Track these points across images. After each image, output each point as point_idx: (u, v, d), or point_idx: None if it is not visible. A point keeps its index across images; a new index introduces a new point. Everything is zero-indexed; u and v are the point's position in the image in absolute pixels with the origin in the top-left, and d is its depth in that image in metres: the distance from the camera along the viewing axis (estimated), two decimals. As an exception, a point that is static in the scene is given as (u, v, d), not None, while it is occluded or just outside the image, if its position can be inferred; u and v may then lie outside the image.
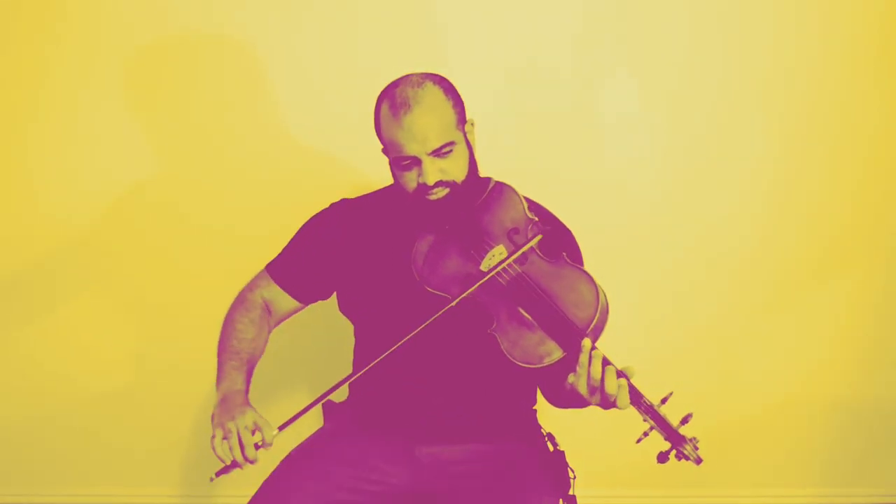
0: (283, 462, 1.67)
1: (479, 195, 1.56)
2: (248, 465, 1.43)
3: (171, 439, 2.38)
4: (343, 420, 1.72)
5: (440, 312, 1.46)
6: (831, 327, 2.34)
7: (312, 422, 2.30)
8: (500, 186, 1.56)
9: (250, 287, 1.74)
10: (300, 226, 1.76)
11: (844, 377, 2.37)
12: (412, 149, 1.49)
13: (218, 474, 1.43)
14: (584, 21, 2.18)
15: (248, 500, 1.57)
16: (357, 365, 1.74)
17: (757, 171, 2.25)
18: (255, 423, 1.44)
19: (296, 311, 1.76)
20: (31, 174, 2.25)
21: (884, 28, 2.18)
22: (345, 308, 1.74)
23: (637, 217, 2.26)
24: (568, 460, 1.64)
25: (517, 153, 2.20)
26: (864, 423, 2.41)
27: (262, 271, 1.75)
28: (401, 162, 1.51)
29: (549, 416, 1.79)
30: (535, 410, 1.76)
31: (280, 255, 1.75)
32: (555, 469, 1.63)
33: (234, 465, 1.43)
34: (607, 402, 1.40)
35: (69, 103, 2.21)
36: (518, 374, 1.68)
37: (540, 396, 1.76)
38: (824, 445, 2.42)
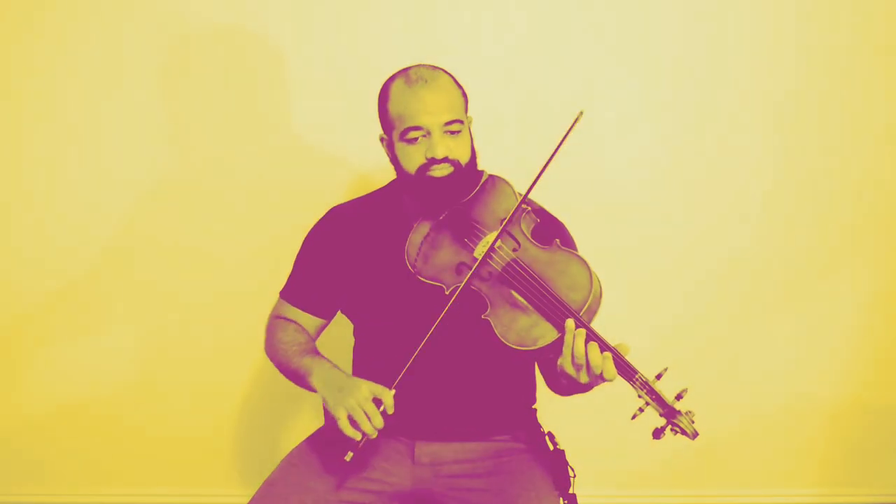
0: (283, 462, 1.67)
1: (473, 186, 1.57)
2: (376, 433, 1.44)
3: (171, 440, 2.38)
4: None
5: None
6: (832, 328, 2.34)
7: (313, 421, 2.31)
8: (493, 178, 1.58)
9: (274, 316, 1.75)
10: (298, 228, 1.77)
11: (844, 378, 2.37)
12: (424, 119, 1.50)
13: (355, 453, 1.45)
14: (584, 21, 2.18)
15: (248, 499, 1.58)
16: (361, 363, 1.75)
17: (764, 170, 2.25)
18: (371, 392, 1.45)
19: (323, 328, 1.76)
20: (33, 175, 2.25)
21: (888, 28, 2.19)
22: (345, 308, 1.75)
23: (639, 216, 2.26)
24: (568, 459, 1.65)
25: (517, 152, 2.19)
26: (864, 424, 2.41)
27: (278, 300, 1.75)
28: (408, 134, 1.52)
29: (549, 415, 1.79)
30: (535, 409, 1.76)
31: (290, 278, 1.75)
32: (555, 468, 1.63)
33: (365, 438, 1.44)
34: (595, 378, 1.40)
35: (72, 104, 2.21)
36: (517, 372, 1.70)
37: (540, 395, 1.76)
38: (824, 445, 2.42)
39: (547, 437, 1.71)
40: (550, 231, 1.62)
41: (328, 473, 1.61)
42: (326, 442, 1.64)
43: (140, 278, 2.29)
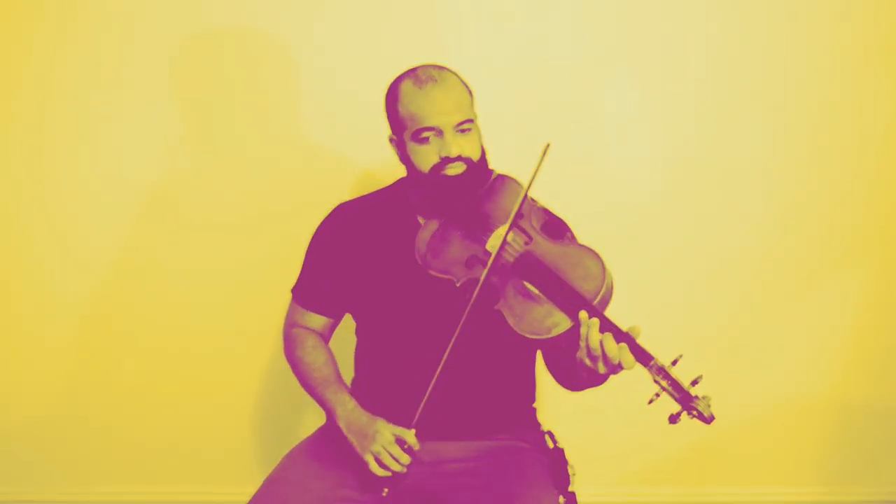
0: (283, 460, 1.68)
1: (484, 183, 1.58)
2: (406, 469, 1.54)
3: (171, 439, 2.38)
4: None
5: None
6: (832, 328, 2.34)
7: (314, 420, 2.31)
8: (503, 177, 1.60)
9: (289, 323, 1.78)
10: (305, 226, 1.77)
11: (844, 377, 2.37)
12: (437, 120, 1.52)
13: (390, 489, 1.56)
14: (585, 18, 2.18)
15: (248, 498, 1.58)
16: (365, 362, 1.76)
17: (761, 170, 2.24)
18: (394, 435, 1.55)
19: (335, 327, 1.80)
20: (42, 176, 2.25)
21: (886, 28, 2.19)
22: (351, 306, 1.75)
23: (638, 215, 2.26)
24: (567, 458, 1.65)
25: (517, 150, 2.19)
26: (864, 424, 2.40)
27: (291, 303, 1.78)
28: (420, 135, 1.53)
29: (548, 413, 1.80)
30: (535, 408, 1.76)
31: (300, 279, 1.77)
32: (554, 466, 1.64)
33: (397, 475, 1.55)
34: (613, 367, 1.41)
35: (81, 105, 2.21)
36: (518, 371, 1.70)
37: (540, 394, 1.76)
38: (824, 445, 2.42)
39: (547, 436, 1.71)
40: (558, 227, 1.64)
41: (328, 472, 1.61)
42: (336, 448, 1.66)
43: (145, 277, 2.30)
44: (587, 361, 1.41)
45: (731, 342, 2.34)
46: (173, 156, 2.23)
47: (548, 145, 1.48)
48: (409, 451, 1.54)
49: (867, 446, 2.42)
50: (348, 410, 1.62)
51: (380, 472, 1.53)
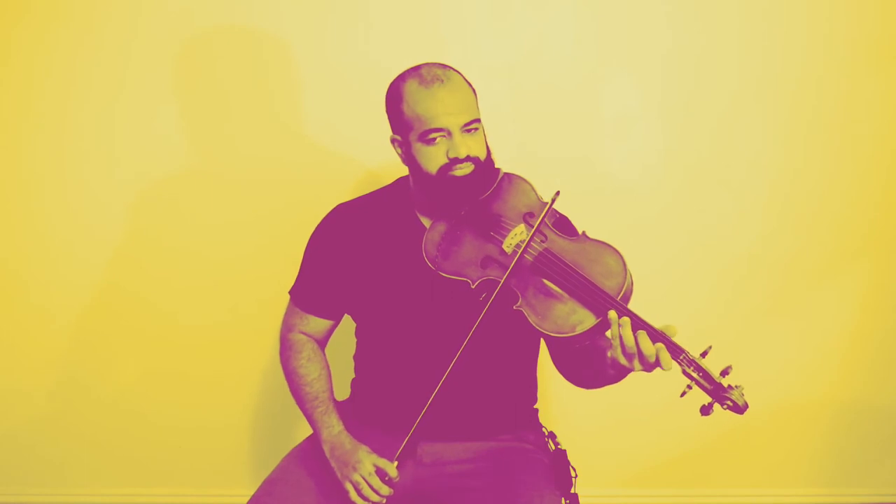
0: (283, 461, 1.67)
1: (492, 182, 1.57)
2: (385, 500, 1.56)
3: (172, 440, 2.38)
4: (345, 419, 1.71)
5: (493, 297, 1.47)
6: (831, 329, 2.34)
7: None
8: (510, 176, 1.59)
9: (287, 327, 1.76)
10: (307, 224, 1.76)
11: (844, 378, 2.37)
12: (445, 121, 1.50)
13: None
14: (586, 18, 2.18)
15: (247, 499, 1.57)
16: (366, 364, 1.75)
17: (759, 171, 2.25)
18: (374, 466, 1.56)
19: (334, 329, 1.78)
20: (46, 173, 2.24)
21: (885, 29, 2.19)
22: (352, 307, 1.74)
23: (636, 216, 2.26)
24: (570, 459, 1.64)
25: (519, 150, 2.19)
26: (863, 424, 2.40)
27: (289, 305, 1.76)
28: (427, 136, 1.52)
29: (550, 415, 1.79)
30: (537, 409, 1.76)
31: (298, 281, 1.75)
32: (556, 468, 1.63)
33: None
34: (649, 365, 1.40)
35: (84, 103, 2.20)
36: (520, 372, 1.69)
37: (541, 395, 1.76)
38: (823, 446, 2.42)
39: (548, 438, 1.71)
40: (568, 224, 1.64)
41: (326, 474, 1.61)
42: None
43: (144, 277, 2.29)
44: (622, 360, 1.40)
45: (729, 344, 2.31)
46: (174, 156, 2.22)
47: (557, 193, 1.50)
48: (389, 482, 1.55)
49: (866, 448, 2.42)
50: (333, 435, 1.63)
51: (359, 501, 1.55)
